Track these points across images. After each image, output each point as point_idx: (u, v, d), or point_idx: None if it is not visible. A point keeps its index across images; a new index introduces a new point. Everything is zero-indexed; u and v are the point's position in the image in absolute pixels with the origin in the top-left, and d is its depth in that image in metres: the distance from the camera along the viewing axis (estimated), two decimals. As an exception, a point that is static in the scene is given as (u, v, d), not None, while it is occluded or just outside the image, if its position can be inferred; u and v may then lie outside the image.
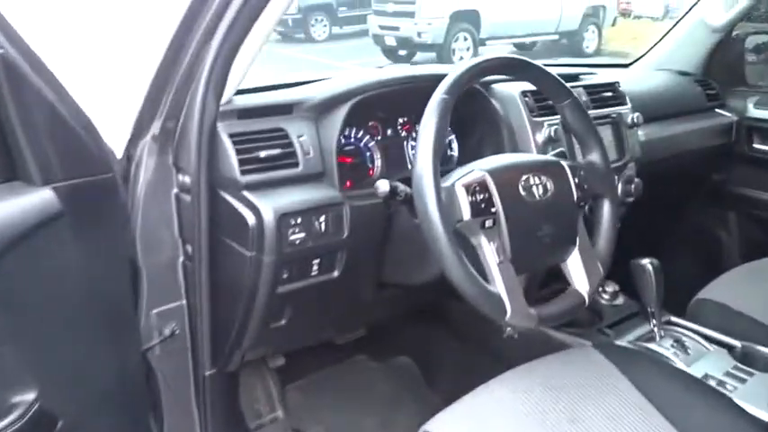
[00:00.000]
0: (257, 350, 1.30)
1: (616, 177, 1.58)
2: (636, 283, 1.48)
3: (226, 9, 0.99)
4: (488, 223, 1.01)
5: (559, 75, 1.61)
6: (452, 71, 1.02)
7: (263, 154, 1.11)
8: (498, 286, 0.98)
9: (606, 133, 1.58)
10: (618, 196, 1.20)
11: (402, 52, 10.24)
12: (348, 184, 1.31)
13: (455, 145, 1.49)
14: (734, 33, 2.04)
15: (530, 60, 1.12)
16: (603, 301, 1.63)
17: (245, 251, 1.10)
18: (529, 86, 1.49)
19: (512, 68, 1.11)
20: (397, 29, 9.88)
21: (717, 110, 2.04)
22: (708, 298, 1.51)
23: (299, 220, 1.11)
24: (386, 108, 1.36)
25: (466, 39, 9.64)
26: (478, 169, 1.03)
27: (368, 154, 1.36)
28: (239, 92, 1.19)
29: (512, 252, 1.02)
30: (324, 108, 1.22)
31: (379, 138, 1.38)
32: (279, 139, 1.15)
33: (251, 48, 1.07)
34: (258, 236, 1.08)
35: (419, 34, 9.64)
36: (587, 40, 9.99)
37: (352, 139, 1.34)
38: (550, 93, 1.18)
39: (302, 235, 1.12)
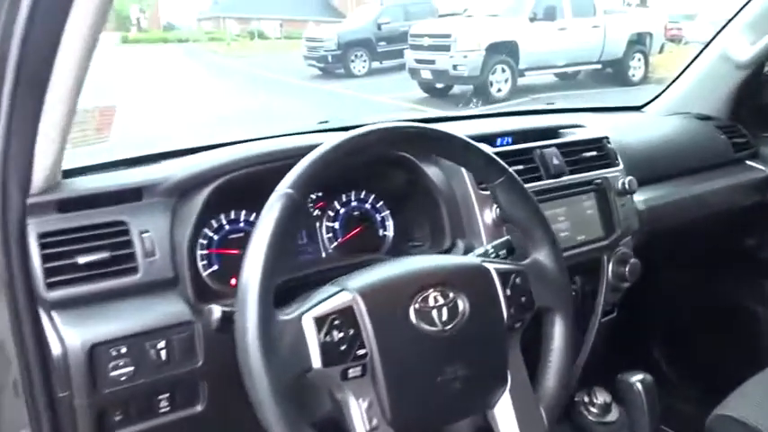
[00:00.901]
0: None
1: (605, 258, 1.25)
2: (625, 406, 1.13)
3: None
4: (354, 372, 0.70)
5: (529, 129, 1.32)
6: (303, 160, 0.73)
7: (81, 260, 0.84)
8: None
9: (588, 204, 1.25)
10: (571, 309, 0.87)
11: (439, 85, 10.05)
12: (234, 282, 1.02)
13: (389, 223, 1.19)
14: (766, 69, 1.67)
15: (432, 129, 0.82)
16: (591, 417, 1.27)
17: (57, 390, 0.83)
18: (489, 149, 1.18)
19: (407, 143, 0.81)
20: (432, 62, 9.70)
21: (747, 161, 1.66)
22: (729, 414, 1.15)
23: (122, 350, 0.83)
24: None
25: (504, 70, 9.35)
26: (347, 289, 0.73)
27: (264, 242, 1.08)
28: (69, 172, 0.94)
29: (393, 411, 0.71)
30: (183, 191, 0.95)
31: (280, 221, 1.09)
32: (113, 237, 0.88)
33: (57, 115, 0.81)
34: (65, 373, 0.81)
35: (455, 67, 9.43)
36: (633, 69, 9.47)
37: (241, 224, 1.06)
38: (475, 170, 0.87)
39: (129, 369, 0.84)
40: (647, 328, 1.78)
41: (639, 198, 1.37)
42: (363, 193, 1.17)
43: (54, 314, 0.83)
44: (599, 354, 1.35)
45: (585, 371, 1.36)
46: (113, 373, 0.83)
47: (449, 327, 0.75)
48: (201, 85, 10.59)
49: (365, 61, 12.70)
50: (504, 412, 0.80)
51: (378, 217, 1.18)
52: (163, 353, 0.85)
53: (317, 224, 1.13)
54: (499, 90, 9.12)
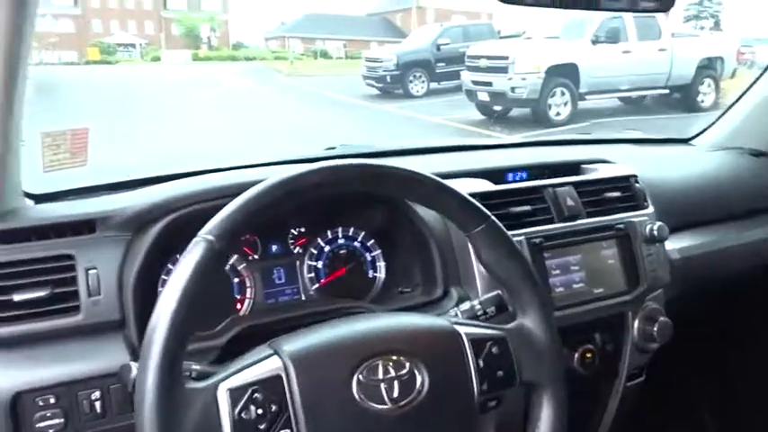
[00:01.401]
0: None
1: (630, 314, 1.09)
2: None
3: None
4: None
5: (546, 163, 1.19)
6: (232, 203, 0.63)
7: (17, 298, 0.78)
8: None
9: (608, 252, 1.10)
10: (563, 387, 0.73)
11: (496, 108, 9.89)
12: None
13: (380, 264, 1.08)
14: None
15: (395, 168, 0.70)
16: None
17: None
18: (482, 185, 1.06)
19: (362, 184, 0.70)
20: (489, 84, 9.56)
21: (808, 206, 1.45)
22: None
23: (51, 400, 0.76)
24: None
25: (563, 93, 9.10)
26: (279, 354, 0.63)
27: (236, 281, 0.99)
28: (36, 197, 0.88)
29: None
30: (140, 225, 0.87)
31: (256, 257, 1.00)
32: (56, 273, 0.81)
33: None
34: None
35: (513, 89, 9.25)
36: (702, 94, 9.00)
37: (211, 262, 0.97)
38: (450, 215, 0.75)
39: (59, 421, 0.76)
40: (689, 394, 1.58)
41: (674, 246, 1.20)
42: (352, 229, 1.06)
43: None
44: (624, 423, 1.19)
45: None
46: (40, 425, 0.75)
47: (402, 404, 0.63)
48: (260, 102, 10.80)
49: (423, 82, 12.69)
50: None
51: (368, 257, 1.07)
52: (98, 404, 0.77)
53: (298, 263, 1.03)
54: (558, 114, 8.87)
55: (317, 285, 1.03)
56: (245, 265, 0.99)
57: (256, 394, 0.59)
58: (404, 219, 1.01)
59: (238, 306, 0.98)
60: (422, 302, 0.98)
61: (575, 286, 1.05)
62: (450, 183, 0.97)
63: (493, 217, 0.74)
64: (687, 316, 1.17)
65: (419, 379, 0.65)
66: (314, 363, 0.62)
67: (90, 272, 0.82)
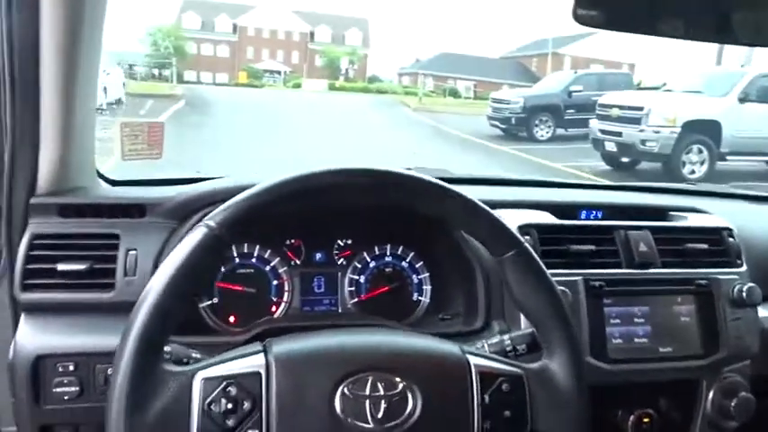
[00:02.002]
0: None
1: (704, 384, 0.96)
2: None
3: None
4: None
5: (628, 205, 1.09)
6: (241, 194, 0.62)
7: (60, 267, 0.82)
8: None
9: (684, 309, 0.97)
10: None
11: (624, 159, 9.42)
12: (233, 319, 0.94)
13: (426, 288, 1.03)
14: None
15: (420, 178, 0.65)
16: None
17: (12, 396, 0.81)
18: (542, 217, 0.98)
19: (375, 194, 0.66)
20: (619, 134, 9.13)
21: None
22: None
23: (70, 367, 0.78)
24: (315, 222, 0.98)
25: (701, 151, 8.48)
26: (267, 352, 0.60)
27: (275, 282, 0.98)
28: (111, 181, 0.94)
29: None
30: (187, 213, 0.89)
31: (298, 263, 0.99)
32: (99, 250, 0.85)
33: (54, 116, 0.81)
34: (12, 379, 0.78)
35: (643, 142, 8.77)
36: None
37: (253, 260, 0.98)
38: (479, 237, 0.69)
39: (74, 389, 0.78)
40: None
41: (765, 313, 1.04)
42: (401, 248, 1.03)
43: (22, 318, 0.81)
44: None
45: None
46: (57, 390, 0.78)
47: (387, 426, 0.58)
48: (380, 130, 11.11)
49: (549, 127, 12.44)
50: None
51: (415, 278, 1.03)
52: None
53: (340, 274, 1.01)
54: (692, 172, 8.28)
55: (356, 300, 1.00)
56: (286, 268, 0.98)
57: (230, 388, 0.56)
58: (453, 244, 0.95)
59: (273, 309, 0.97)
60: (460, 332, 0.91)
61: (637, 340, 0.93)
62: (504, 212, 0.90)
63: (526, 245, 0.67)
64: None
65: (411, 403, 0.59)
66: (298, 366, 0.59)
67: (130, 252, 0.85)
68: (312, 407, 0.57)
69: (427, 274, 1.03)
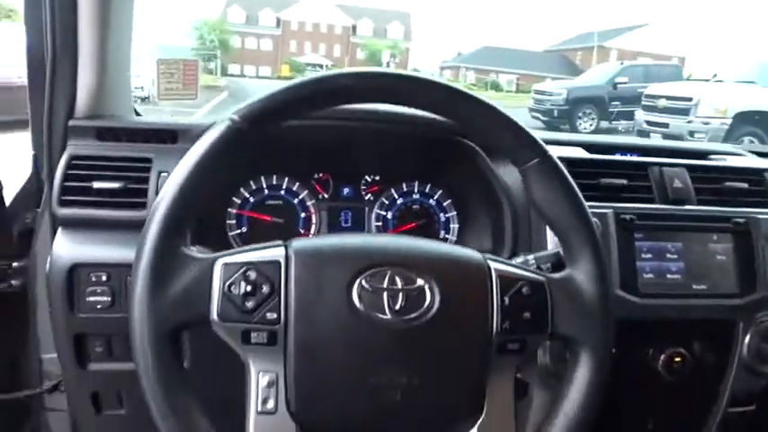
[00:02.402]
0: None
1: (741, 325, 0.93)
2: None
3: None
4: (258, 337, 0.57)
5: (667, 147, 1.06)
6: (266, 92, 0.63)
7: (96, 185, 0.85)
8: None
9: (720, 246, 0.93)
10: (606, 348, 0.63)
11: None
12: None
13: (454, 226, 1.02)
14: None
15: (434, 81, 0.65)
16: None
17: (49, 306, 0.84)
18: (574, 152, 0.97)
19: (389, 95, 0.65)
20: (665, 126, 8.87)
21: None
22: None
23: (102, 277, 0.81)
24: (344, 156, 0.99)
25: (752, 142, 8.19)
26: (286, 246, 0.61)
27: (302, 215, 0.99)
28: None
29: (298, 405, 0.57)
30: None
31: (326, 197, 1.00)
32: (133, 172, 0.87)
33: (91, 43, 0.84)
34: (49, 287, 0.82)
35: (692, 133, 8.49)
36: None
37: (282, 192, 0.99)
38: (502, 146, 0.68)
39: (107, 299, 0.81)
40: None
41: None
42: (429, 186, 1.02)
43: (59, 230, 0.85)
44: None
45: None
46: (90, 299, 0.81)
47: (404, 318, 0.58)
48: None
49: (593, 119, 12.17)
50: None
51: (442, 217, 1.02)
52: None
53: (367, 209, 1.01)
54: (743, 164, 7.95)
55: None
56: (313, 201, 0.99)
57: (250, 272, 0.57)
58: (481, 179, 0.95)
59: (301, 240, 0.98)
60: None
61: (669, 276, 0.90)
62: None
63: (551, 153, 0.66)
64: None
65: (429, 298, 0.59)
66: (317, 259, 0.59)
67: (162, 175, 0.87)
68: (330, 296, 0.58)
69: (454, 213, 1.02)
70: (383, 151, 0.99)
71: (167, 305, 0.55)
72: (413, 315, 0.58)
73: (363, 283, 0.59)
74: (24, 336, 1.02)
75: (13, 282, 0.99)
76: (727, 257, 0.93)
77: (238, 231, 0.96)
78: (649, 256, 0.90)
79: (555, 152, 0.93)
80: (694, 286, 0.91)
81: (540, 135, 1.03)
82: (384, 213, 1.01)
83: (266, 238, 0.96)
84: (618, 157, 0.99)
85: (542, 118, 11.29)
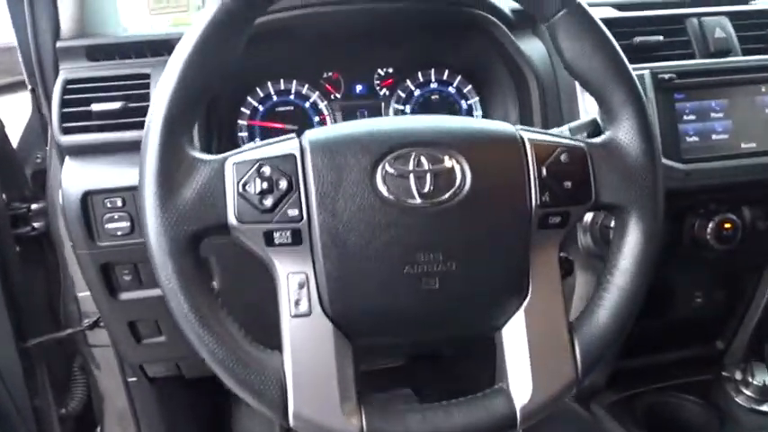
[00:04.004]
0: (155, 367, 1.01)
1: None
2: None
3: None
4: (282, 238, 0.54)
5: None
6: None
7: (96, 107, 0.80)
8: (280, 361, 0.53)
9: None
10: (656, 212, 0.58)
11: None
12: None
13: (478, 114, 0.96)
14: None
15: None
16: (742, 402, 0.91)
17: (70, 239, 0.82)
18: (601, 11, 0.88)
19: None
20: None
21: None
22: None
23: (117, 203, 0.78)
24: (352, 49, 0.92)
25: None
26: (299, 138, 0.56)
27: (316, 119, 0.94)
28: None
29: (333, 302, 0.54)
30: None
31: (338, 96, 0.94)
32: (132, 90, 0.82)
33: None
34: (66, 219, 0.79)
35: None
36: None
37: (292, 97, 0.93)
38: None
39: (125, 225, 0.79)
40: None
41: None
42: (447, 72, 0.95)
43: (66, 160, 0.81)
44: None
45: (750, 342, 0.99)
46: (108, 226, 0.79)
47: (435, 201, 0.54)
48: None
49: None
50: (512, 341, 0.56)
51: (464, 104, 0.96)
52: None
53: (383, 105, 0.95)
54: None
55: None
56: (326, 103, 0.93)
57: (264, 168, 0.53)
58: (501, 53, 0.87)
59: (317, 147, 0.94)
60: None
61: (715, 137, 0.84)
62: None
63: (580, 1, 0.58)
64: None
65: (459, 177, 0.54)
66: (335, 147, 0.54)
67: None
68: (352, 185, 0.53)
69: (477, 99, 0.96)
70: (392, 39, 0.92)
71: (181, 213, 0.52)
72: (443, 197, 0.54)
73: (387, 167, 0.54)
74: (57, 276, 1.01)
75: (35, 224, 0.97)
76: (777, 115, 0.85)
77: (252, 144, 0.91)
78: (692, 117, 0.83)
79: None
80: (743, 145, 0.84)
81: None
82: (402, 107, 0.95)
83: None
84: (651, 12, 0.90)
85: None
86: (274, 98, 0.92)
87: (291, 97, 0.93)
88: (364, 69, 0.94)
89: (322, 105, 0.93)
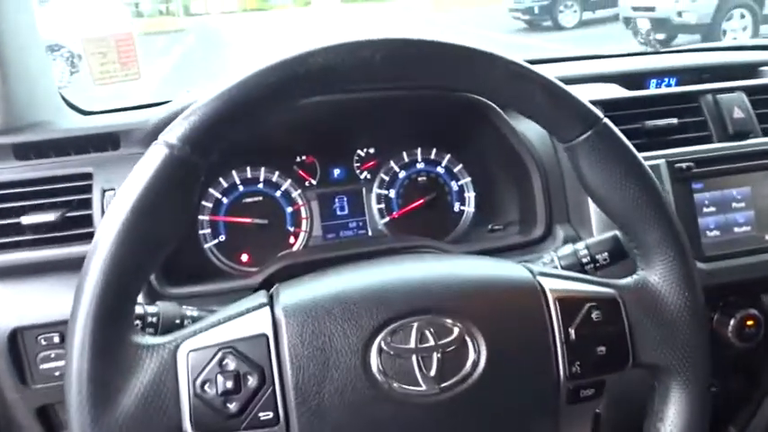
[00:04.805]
0: None
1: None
2: None
3: None
4: None
5: (709, 65, 0.88)
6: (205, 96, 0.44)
7: (26, 221, 0.67)
8: None
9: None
10: (704, 373, 0.48)
11: (659, 36, 8.83)
12: (246, 258, 0.80)
13: (469, 195, 0.86)
14: None
15: (441, 43, 0.46)
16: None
17: None
18: (611, 91, 0.79)
19: (392, 64, 0.46)
20: (652, 9, 8.54)
21: None
22: None
23: (55, 339, 0.65)
24: (329, 130, 0.81)
25: (743, 16, 7.89)
26: (274, 305, 0.45)
27: (289, 210, 0.83)
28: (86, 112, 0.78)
29: None
30: None
31: (314, 183, 0.83)
32: (71, 194, 0.70)
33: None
34: None
35: (679, 14, 8.19)
36: None
37: (260, 186, 0.82)
38: (541, 117, 0.50)
39: (63, 363, 0.66)
40: None
41: None
42: (434, 151, 0.85)
43: None
44: None
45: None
46: (44, 366, 0.66)
47: (444, 386, 0.43)
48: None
49: (575, 11, 11.76)
50: None
51: (453, 186, 0.86)
52: None
53: (365, 190, 0.84)
54: (735, 39, 7.72)
55: (387, 219, 0.84)
56: (300, 191, 0.82)
57: (227, 359, 0.42)
58: (497, 137, 0.77)
59: (292, 240, 0.82)
60: (516, 244, 0.75)
61: (737, 230, 0.75)
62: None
63: (607, 120, 0.48)
64: None
65: (473, 352, 0.44)
66: (316, 320, 0.43)
67: (107, 193, 0.70)
68: (340, 374, 0.42)
69: (469, 179, 0.86)
70: (376, 119, 0.81)
71: (118, 424, 0.40)
72: (455, 379, 0.43)
73: (383, 345, 0.43)
74: None
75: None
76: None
77: (215, 242, 0.80)
78: (712, 209, 0.75)
79: (588, 93, 0.77)
80: (767, 237, 0.76)
81: (564, 69, 0.85)
82: (386, 192, 0.85)
83: (250, 245, 0.81)
84: (662, 89, 0.81)
85: (523, 17, 10.86)
86: (240, 188, 0.81)
87: (260, 186, 0.81)
88: (342, 151, 0.84)
89: (295, 194, 0.82)
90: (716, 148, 0.76)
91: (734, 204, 0.75)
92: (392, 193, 0.85)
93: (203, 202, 0.79)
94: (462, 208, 0.86)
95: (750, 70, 0.88)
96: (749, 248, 0.75)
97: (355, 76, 0.45)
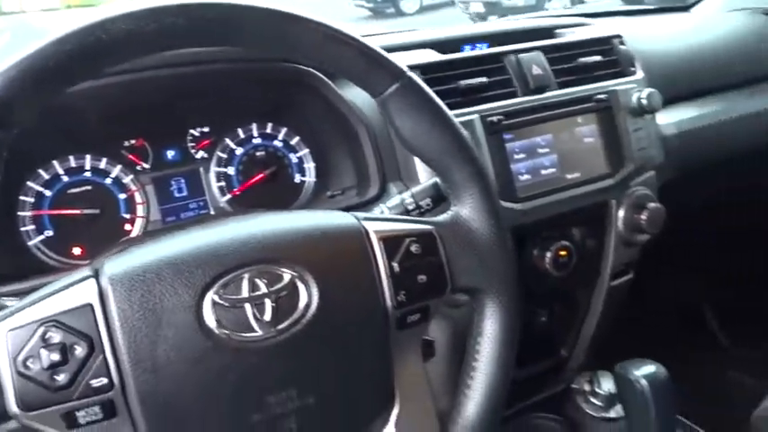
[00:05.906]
0: None
1: (614, 203, 0.91)
2: (624, 404, 0.83)
3: None
4: (89, 415, 0.42)
5: (512, 30, 0.97)
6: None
7: None
8: None
9: (586, 129, 0.89)
10: (511, 288, 0.55)
11: (492, 18, 9.41)
12: (79, 251, 0.76)
13: (309, 166, 0.88)
14: None
15: (245, 5, 0.48)
16: (590, 411, 0.95)
17: None
18: (425, 56, 0.85)
19: (200, 30, 0.47)
20: (480, -14, 9.05)
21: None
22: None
23: None
24: (155, 111, 0.79)
25: (568, -5, 8.64)
26: (99, 276, 0.44)
27: (122, 197, 0.80)
28: None
29: None
30: None
31: (146, 167, 0.81)
32: None
33: None
34: None
35: (506, -7, 8.78)
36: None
37: (86, 174, 0.78)
38: (351, 74, 0.54)
39: None
40: (686, 288, 1.41)
41: (668, 119, 1.00)
42: (270, 125, 0.87)
43: None
44: (611, 325, 1.03)
45: (590, 350, 1.04)
46: None
47: (279, 327, 0.46)
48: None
49: (416, -5, 12.06)
50: None
51: (293, 158, 0.88)
52: None
53: (202, 170, 0.84)
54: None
55: (228, 196, 0.85)
56: (132, 177, 0.80)
57: (50, 333, 0.41)
58: (328, 106, 0.80)
59: (129, 228, 0.80)
60: (354, 205, 0.79)
61: (544, 172, 0.85)
62: None
63: (411, 73, 0.53)
64: (683, 202, 0.98)
65: (304, 294, 0.46)
66: (145, 283, 0.43)
67: None
68: (174, 330, 0.43)
69: (307, 150, 0.88)
70: (205, 96, 0.81)
71: None
72: (289, 321, 0.46)
73: (216, 298, 0.45)
74: None
75: None
76: (594, 139, 0.89)
77: (41, 237, 0.75)
78: (522, 156, 0.84)
79: (404, 58, 0.82)
80: (568, 176, 0.87)
81: (384, 40, 0.90)
82: (224, 170, 0.85)
83: (82, 237, 0.77)
84: (472, 52, 0.89)
85: (367, 5, 11.02)
86: (64, 179, 0.77)
87: (87, 175, 0.78)
88: (174, 131, 0.82)
89: (127, 179, 0.80)
90: (520, 102, 0.85)
91: (539, 150, 0.85)
92: (231, 171, 0.85)
93: (22, 197, 0.74)
94: (303, 179, 0.88)
95: (547, 33, 0.99)
96: (555, 188, 0.86)
97: (160, 42, 0.45)
